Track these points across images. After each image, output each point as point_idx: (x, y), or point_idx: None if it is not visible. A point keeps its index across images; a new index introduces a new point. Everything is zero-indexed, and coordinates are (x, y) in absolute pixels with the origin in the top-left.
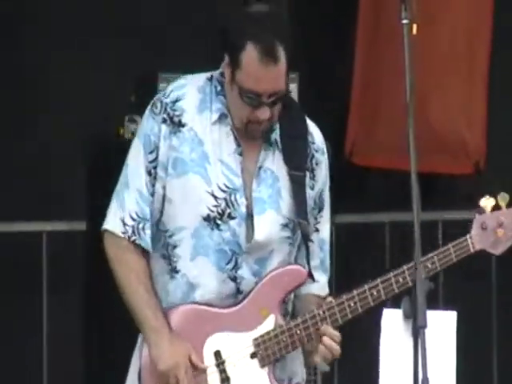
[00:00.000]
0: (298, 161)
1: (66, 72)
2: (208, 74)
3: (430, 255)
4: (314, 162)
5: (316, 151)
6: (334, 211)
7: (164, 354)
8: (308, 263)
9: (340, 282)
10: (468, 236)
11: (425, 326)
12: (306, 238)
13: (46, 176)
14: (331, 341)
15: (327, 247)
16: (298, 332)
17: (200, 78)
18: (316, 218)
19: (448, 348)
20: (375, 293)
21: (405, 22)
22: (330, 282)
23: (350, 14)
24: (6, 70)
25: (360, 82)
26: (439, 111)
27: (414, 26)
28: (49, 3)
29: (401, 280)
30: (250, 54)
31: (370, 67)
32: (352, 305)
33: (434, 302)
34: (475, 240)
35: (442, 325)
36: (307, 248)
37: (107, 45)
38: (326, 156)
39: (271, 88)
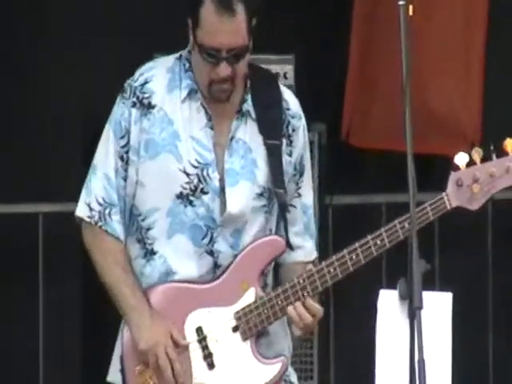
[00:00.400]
0: (273, 129)
1: (66, 54)
2: (177, 54)
3: (407, 216)
4: (290, 128)
5: (292, 117)
6: (331, 192)
7: (144, 334)
8: (286, 232)
9: None
10: (444, 194)
11: (421, 307)
12: (282, 208)
13: (42, 157)
14: (303, 309)
15: (311, 212)
16: (279, 302)
17: (169, 59)
18: (297, 184)
19: (444, 329)
20: (354, 257)
21: (401, 2)
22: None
23: None
24: (4, 48)
25: (356, 64)
26: (436, 93)
27: (411, 7)
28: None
29: (379, 242)
30: (207, 7)
31: (367, 48)
32: (332, 271)
33: (429, 283)
34: (451, 197)
35: (438, 306)
36: (284, 218)
37: (107, 44)
38: (303, 121)
39: (228, 42)
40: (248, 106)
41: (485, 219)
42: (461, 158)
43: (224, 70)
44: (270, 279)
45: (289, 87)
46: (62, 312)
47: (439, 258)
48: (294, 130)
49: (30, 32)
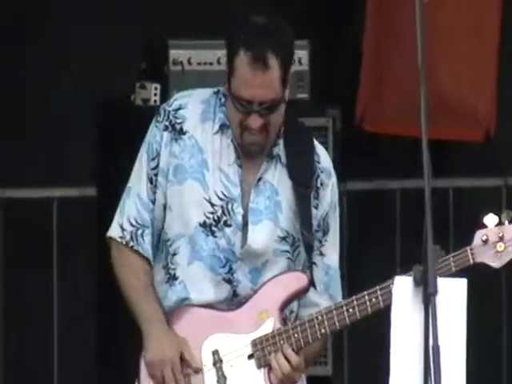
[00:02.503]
0: (303, 176)
1: (78, 46)
2: (215, 89)
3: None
4: (319, 181)
5: (322, 172)
6: (345, 178)
7: (152, 346)
8: (311, 273)
9: (351, 250)
10: (468, 248)
11: (435, 293)
12: (308, 250)
13: (56, 142)
14: (284, 360)
15: (333, 273)
16: (296, 335)
17: (206, 91)
18: (320, 242)
19: (458, 315)
20: (374, 299)
21: None
22: (341, 249)
23: None
24: (15, 32)
25: (371, 49)
26: (449, 78)
27: None
28: None
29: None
30: (242, 59)
31: (381, 33)
32: (350, 310)
33: None
34: (475, 252)
35: (453, 292)
36: (310, 258)
37: (118, 11)
38: (333, 180)
39: (260, 95)
40: (279, 150)
41: (499, 204)
42: (490, 219)
43: (255, 121)
44: (292, 315)
45: (303, 73)
46: (76, 297)
47: (453, 243)
48: (321, 185)
49: (39, 13)
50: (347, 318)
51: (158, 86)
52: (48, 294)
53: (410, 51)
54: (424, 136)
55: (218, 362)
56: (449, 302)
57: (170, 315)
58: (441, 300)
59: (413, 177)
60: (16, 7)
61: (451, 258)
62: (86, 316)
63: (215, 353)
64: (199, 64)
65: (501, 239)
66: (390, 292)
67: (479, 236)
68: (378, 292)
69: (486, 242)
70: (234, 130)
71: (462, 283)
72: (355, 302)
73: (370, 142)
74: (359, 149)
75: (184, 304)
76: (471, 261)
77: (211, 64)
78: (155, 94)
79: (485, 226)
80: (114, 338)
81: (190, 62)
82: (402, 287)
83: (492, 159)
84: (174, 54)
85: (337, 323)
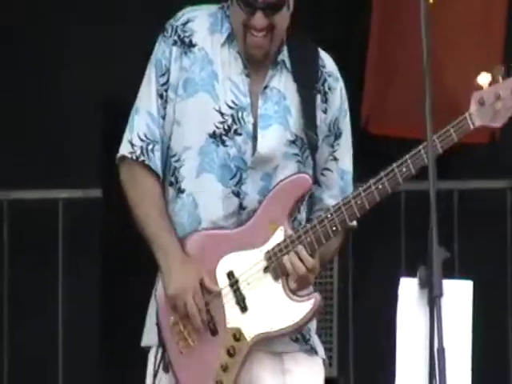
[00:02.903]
0: (307, 80)
1: (82, 41)
2: (220, 5)
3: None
4: (326, 86)
5: (329, 76)
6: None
7: (173, 278)
8: (314, 174)
9: (356, 252)
10: (467, 113)
11: (441, 295)
12: (312, 150)
13: (61, 144)
14: (299, 262)
15: (349, 177)
16: (308, 239)
17: (211, 7)
18: (332, 146)
19: (464, 317)
20: (380, 186)
21: None
22: (346, 251)
23: None
24: (20, 35)
25: (376, 52)
26: (454, 81)
27: None
28: None
29: (404, 169)
30: None
31: (386, 36)
32: (359, 202)
33: (449, 272)
34: (474, 116)
35: (458, 294)
36: (314, 159)
37: (127, 14)
38: (340, 83)
39: None
40: (284, 56)
41: (504, 205)
42: (483, 78)
43: (259, 20)
44: (303, 216)
45: None
46: (81, 298)
47: (459, 244)
48: (330, 89)
49: (46, 17)
50: (357, 211)
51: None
52: (53, 294)
53: (414, 53)
54: (429, 138)
55: (234, 283)
56: (454, 304)
57: (182, 240)
58: (446, 302)
59: (418, 179)
60: (17, 9)
61: (451, 129)
62: (90, 316)
63: (230, 274)
64: None
65: (498, 98)
66: (395, 177)
67: (475, 99)
68: (384, 178)
69: (483, 103)
70: (237, 33)
71: (467, 285)
72: (362, 193)
73: (375, 143)
74: (364, 150)
75: (193, 221)
76: (471, 126)
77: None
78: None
79: (480, 88)
80: (118, 338)
81: None
82: (408, 289)
83: (497, 161)
84: None
85: (347, 218)
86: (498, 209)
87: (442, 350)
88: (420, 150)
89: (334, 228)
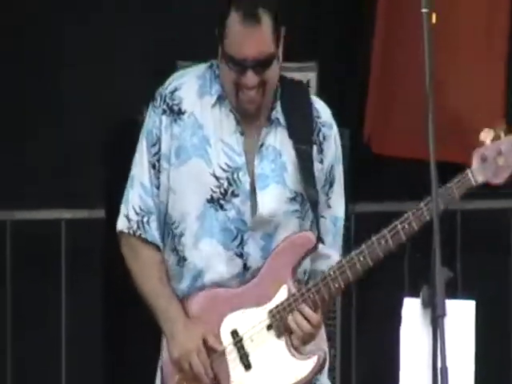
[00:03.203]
0: (302, 134)
1: (85, 61)
2: (208, 63)
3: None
4: (320, 135)
5: (323, 125)
6: (354, 200)
7: (177, 343)
8: (318, 231)
9: None
10: (468, 170)
11: (444, 315)
12: (314, 207)
13: (64, 163)
14: (303, 319)
15: (341, 224)
16: (311, 296)
17: (200, 67)
18: (327, 194)
19: (467, 337)
20: (383, 242)
21: (424, 10)
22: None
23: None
24: (23, 52)
25: (379, 71)
26: (457, 101)
27: (434, 15)
28: None
29: (407, 226)
30: (233, 19)
31: (389, 55)
32: (362, 259)
33: (452, 291)
34: (476, 172)
35: (461, 314)
36: (316, 216)
37: (128, 34)
38: (334, 131)
39: (254, 51)
40: (277, 113)
41: (507, 226)
42: (485, 135)
43: (251, 78)
44: (307, 267)
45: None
46: (83, 318)
47: (461, 264)
48: (324, 138)
49: (50, 34)
50: (360, 268)
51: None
52: (57, 315)
53: (417, 74)
54: (432, 158)
55: (238, 341)
56: (457, 323)
57: (184, 302)
58: (449, 322)
59: (421, 199)
60: (28, 31)
61: (453, 185)
62: (93, 337)
63: (234, 332)
64: None
65: (500, 153)
66: (398, 233)
67: (477, 155)
68: (387, 235)
69: (485, 160)
70: (228, 92)
71: (470, 305)
72: (366, 251)
73: (378, 163)
74: (368, 170)
75: (197, 286)
76: (473, 182)
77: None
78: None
79: (482, 144)
80: (122, 357)
81: None
82: (411, 309)
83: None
84: None
85: (350, 275)
86: (501, 229)
87: (445, 370)
88: (422, 208)
89: (337, 285)
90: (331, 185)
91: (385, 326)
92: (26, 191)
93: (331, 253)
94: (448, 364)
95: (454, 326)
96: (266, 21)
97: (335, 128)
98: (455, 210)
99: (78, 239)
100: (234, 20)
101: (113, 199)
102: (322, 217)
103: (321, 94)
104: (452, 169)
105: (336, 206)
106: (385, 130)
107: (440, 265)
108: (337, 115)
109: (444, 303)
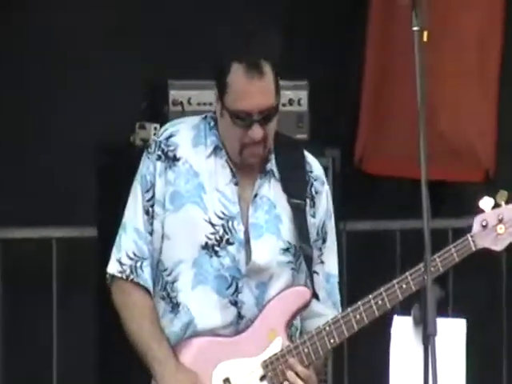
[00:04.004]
0: (296, 189)
1: (75, 79)
2: (203, 115)
3: (432, 257)
4: (313, 190)
5: (315, 180)
6: (345, 218)
7: (167, 382)
8: (312, 285)
9: (351, 289)
10: (469, 235)
11: (435, 334)
12: (308, 262)
13: (56, 182)
14: (296, 377)
15: (334, 280)
16: (306, 350)
17: (194, 118)
18: (320, 249)
19: (458, 355)
20: (380, 301)
21: (416, 29)
22: (341, 289)
23: (360, 19)
24: (16, 75)
25: (370, 90)
26: (450, 119)
27: (425, 33)
28: (56, 5)
29: (404, 286)
30: (236, 72)
31: (381, 74)
32: (357, 316)
33: (443, 310)
34: (476, 238)
35: (452, 332)
36: (310, 270)
37: (118, 52)
38: (326, 187)
39: (260, 103)
40: (271, 165)
41: None
42: (486, 203)
43: (257, 132)
44: (299, 325)
45: (303, 113)
46: (76, 338)
47: (453, 283)
48: (316, 193)
49: (44, 52)
50: (355, 325)
51: (158, 127)
52: (48, 335)
53: (409, 93)
54: (423, 177)
55: None
56: (448, 342)
57: (177, 348)
58: (440, 340)
59: (412, 217)
60: (19, 49)
61: (452, 249)
62: (85, 356)
63: (226, 380)
64: (199, 104)
65: (500, 221)
66: (395, 293)
67: (478, 221)
68: (383, 294)
69: (485, 226)
70: (232, 148)
71: (461, 324)
72: (361, 308)
73: (369, 182)
74: (359, 189)
75: (189, 332)
76: (473, 248)
77: (211, 104)
78: (154, 134)
79: (482, 211)
80: (114, 378)
81: (189, 103)
82: (402, 327)
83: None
84: (173, 94)
85: (345, 331)
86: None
87: None
88: (420, 268)
89: (332, 340)
90: (324, 240)
91: (376, 343)
92: (16, 209)
93: (324, 311)
94: (439, 382)
95: (445, 345)
96: (268, 71)
97: (326, 185)
98: (446, 228)
99: (70, 258)
100: (237, 73)
101: (104, 218)
102: (315, 272)
103: (312, 113)
104: (443, 187)
105: (329, 261)
106: (377, 149)
107: (431, 283)
108: (327, 134)
109: (435, 322)
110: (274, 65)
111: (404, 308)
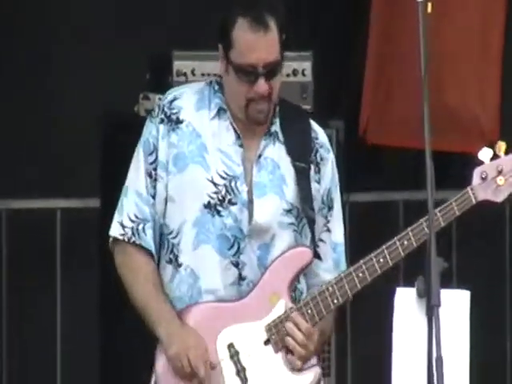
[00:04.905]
0: (301, 152)
1: (80, 51)
2: (207, 80)
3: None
4: (318, 156)
5: (320, 147)
6: (348, 190)
7: (174, 340)
8: (314, 246)
9: (354, 261)
10: (469, 188)
11: (438, 305)
12: (310, 224)
13: (60, 153)
14: (295, 328)
15: (341, 249)
16: (309, 311)
17: (199, 84)
18: (326, 217)
19: (462, 327)
20: (382, 259)
21: (420, 0)
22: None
23: None
24: (20, 46)
25: (375, 61)
26: (453, 90)
27: (429, 4)
28: None
29: (405, 243)
30: (241, 26)
31: (385, 45)
32: (360, 275)
33: (447, 281)
34: (476, 190)
35: (456, 303)
36: (312, 232)
37: (122, 23)
38: (331, 155)
39: (264, 56)
40: (276, 127)
41: (502, 216)
42: (485, 154)
43: (262, 86)
44: (303, 285)
45: (307, 84)
46: (79, 308)
47: (456, 255)
48: (322, 160)
49: (47, 23)
50: (358, 284)
51: (162, 97)
52: (51, 304)
53: (413, 63)
54: (427, 148)
55: (234, 354)
56: (452, 313)
57: (181, 315)
58: (444, 311)
59: (416, 188)
60: (22, 23)
61: (453, 203)
62: (89, 326)
63: (230, 346)
64: (203, 75)
65: (500, 173)
66: (397, 250)
67: (478, 174)
68: (385, 251)
69: (485, 178)
70: (238, 106)
71: (465, 295)
72: (364, 266)
73: (373, 153)
74: (362, 160)
75: (195, 294)
76: (473, 200)
77: (215, 75)
78: None
79: (481, 163)
80: (117, 349)
81: (193, 73)
82: (405, 299)
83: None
84: (177, 64)
85: (348, 291)
86: (496, 219)
87: (440, 360)
88: (422, 223)
89: (336, 301)
90: (330, 208)
91: (380, 316)
92: (21, 180)
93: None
94: (443, 354)
95: (449, 316)
96: (273, 26)
97: (332, 154)
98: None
99: (73, 228)
100: (242, 27)
101: (108, 188)
102: (322, 241)
103: (316, 84)
104: (447, 159)
105: (335, 230)
106: (382, 120)
107: (435, 255)
108: (331, 105)
109: (439, 293)
110: (279, 21)
111: (407, 279)
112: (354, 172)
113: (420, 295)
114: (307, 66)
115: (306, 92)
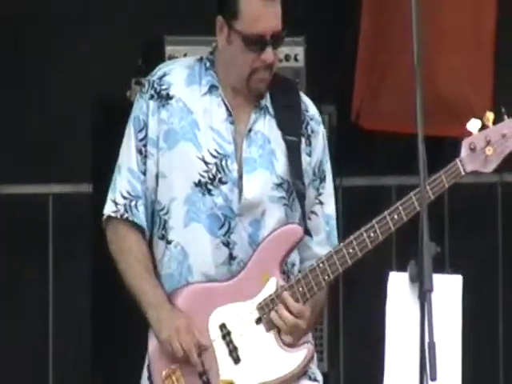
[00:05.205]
0: (291, 126)
1: (72, 36)
2: (197, 56)
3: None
4: (309, 129)
5: (311, 119)
6: (341, 174)
7: (164, 324)
8: (304, 222)
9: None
10: (457, 159)
11: (431, 290)
12: (300, 198)
13: (51, 138)
14: (286, 311)
15: (333, 222)
16: (300, 289)
17: (189, 59)
18: (318, 190)
19: (454, 311)
20: (372, 234)
21: None
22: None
23: None
24: (11, 32)
25: (367, 46)
26: (446, 75)
27: None
28: None
29: (396, 217)
30: None
31: (377, 30)
32: (351, 251)
33: (439, 266)
34: (465, 162)
35: (448, 288)
36: (303, 207)
37: (114, 8)
38: (322, 128)
39: (273, 25)
40: (266, 101)
41: (494, 200)
42: (473, 124)
43: (269, 55)
44: (296, 260)
45: (299, 69)
46: (71, 294)
47: (449, 240)
48: (312, 132)
49: (38, 13)
50: (349, 259)
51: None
52: (44, 289)
53: (406, 48)
54: (420, 132)
55: (226, 334)
56: (444, 298)
57: (172, 296)
58: (436, 296)
59: (408, 173)
60: (16, 7)
61: (442, 175)
62: (82, 310)
63: (222, 326)
64: None
65: (488, 143)
66: (387, 224)
67: (466, 145)
68: (376, 226)
69: (473, 149)
70: (239, 76)
71: (457, 280)
72: (354, 242)
73: (365, 138)
74: (355, 145)
75: (184, 272)
76: (462, 172)
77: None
78: None
79: (469, 134)
80: (110, 335)
81: None
82: (398, 283)
83: None
84: (170, 49)
85: (339, 267)
86: (489, 203)
87: (432, 345)
88: (411, 197)
89: (327, 277)
90: (322, 180)
91: (373, 301)
92: (13, 166)
93: (324, 253)
94: (435, 339)
95: (442, 301)
96: None
97: (322, 126)
98: None
99: (65, 213)
100: None
101: (100, 173)
102: (314, 213)
103: (308, 69)
104: (439, 143)
105: (327, 203)
106: (374, 105)
107: (427, 239)
108: (324, 90)
109: (431, 278)
110: None
111: (400, 264)
112: (347, 157)
113: (412, 280)
114: (300, 51)
115: (299, 77)
